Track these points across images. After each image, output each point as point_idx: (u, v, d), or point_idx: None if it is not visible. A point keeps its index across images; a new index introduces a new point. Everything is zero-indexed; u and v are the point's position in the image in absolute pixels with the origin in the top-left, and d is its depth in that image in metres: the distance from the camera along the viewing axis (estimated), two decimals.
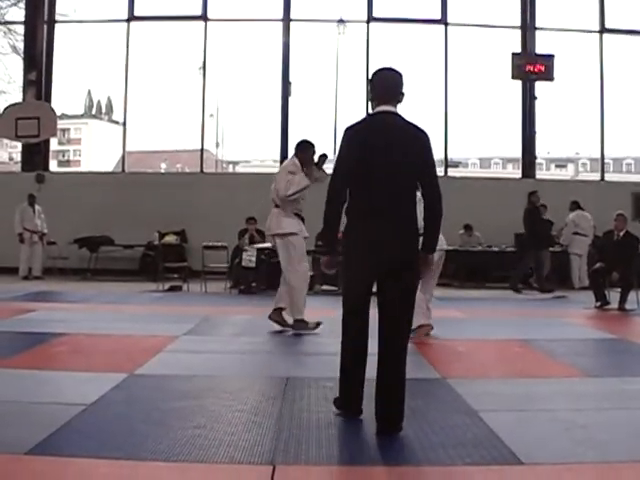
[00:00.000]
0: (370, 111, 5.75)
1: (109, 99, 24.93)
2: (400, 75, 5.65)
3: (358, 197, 5.44)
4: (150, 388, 6.69)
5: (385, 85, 5.59)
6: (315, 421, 5.59)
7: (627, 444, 5.14)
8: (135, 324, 10.90)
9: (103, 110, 26.65)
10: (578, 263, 18.97)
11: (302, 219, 10.35)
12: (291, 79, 21.84)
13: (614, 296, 14.02)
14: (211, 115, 22.56)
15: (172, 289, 16.85)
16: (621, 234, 14.34)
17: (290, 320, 10.44)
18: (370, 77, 5.80)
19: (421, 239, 5.55)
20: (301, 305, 10.32)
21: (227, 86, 22.73)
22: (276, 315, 10.52)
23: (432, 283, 10.21)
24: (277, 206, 10.34)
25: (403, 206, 5.40)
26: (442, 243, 9.78)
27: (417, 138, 5.48)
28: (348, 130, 5.60)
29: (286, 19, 21.80)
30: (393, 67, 5.72)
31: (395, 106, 5.55)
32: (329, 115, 22.51)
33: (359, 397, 5.58)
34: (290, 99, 21.84)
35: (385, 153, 5.37)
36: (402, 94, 5.62)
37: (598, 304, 14.09)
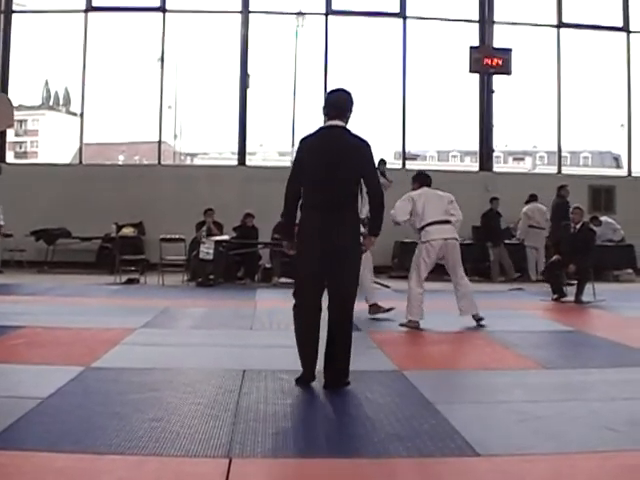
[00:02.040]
0: (322, 124, 6.82)
1: (67, 90, 24.67)
2: (349, 95, 6.79)
3: (309, 195, 6.63)
4: (107, 381, 6.65)
5: (335, 104, 6.75)
6: (272, 413, 5.58)
7: (583, 435, 5.20)
8: (93, 317, 10.81)
9: (61, 101, 26.37)
10: (534, 256, 19.13)
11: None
12: (250, 71, 21.75)
13: (571, 289, 14.14)
14: (169, 107, 22.39)
15: (129, 282, 16.73)
16: (578, 227, 14.44)
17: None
18: (325, 96, 7.00)
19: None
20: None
21: (185, 78, 22.62)
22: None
23: (455, 271, 10.84)
24: None
25: (346, 202, 6.59)
26: (443, 233, 10.57)
27: (359, 147, 6.64)
28: (302, 140, 6.82)
29: (245, 11, 21.69)
30: (344, 88, 6.89)
31: (343, 121, 6.69)
32: (287, 107, 22.45)
33: (312, 364, 6.57)
34: (248, 91, 21.76)
35: (331, 159, 6.53)
36: (350, 111, 6.74)
37: (555, 296, 14.19)
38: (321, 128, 6.81)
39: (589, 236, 14.51)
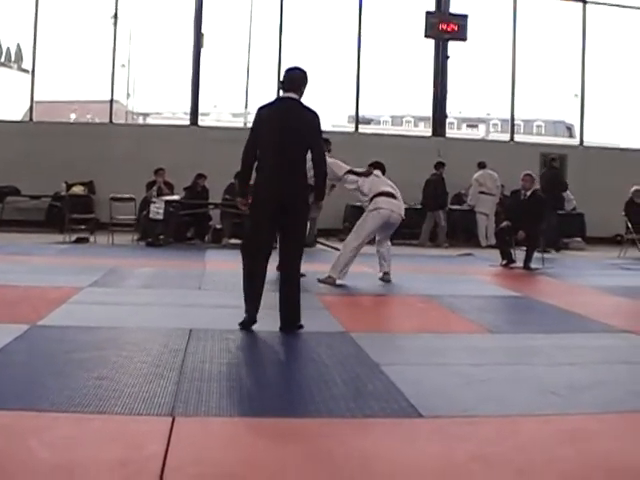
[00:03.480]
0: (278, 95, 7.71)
1: (18, 47, 24.29)
2: (304, 73, 7.51)
3: (263, 158, 7.29)
4: (52, 339, 6.61)
5: (291, 79, 7.46)
6: (217, 373, 5.58)
7: (526, 398, 5.26)
8: (40, 275, 10.74)
9: (12, 58, 26.00)
10: (484, 222, 19.30)
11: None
12: (204, 31, 21.57)
13: (520, 255, 14.25)
14: (122, 65, 22.18)
15: (79, 241, 16.60)
16: (528, 193, 14.52)
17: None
18: (284, 72, 7.67)
19: None
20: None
21: (139, 36, 22.38)
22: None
23: (386, 239, 11.42)
24: None
25: (295, 165, 7.25)
26: (393, 206, 10.97)
27: (308, 117, 7.35)
28: (259, 109, 7.48)
29: None
30: (300, 67, 7.59)
31: (297, 94, 7.39)
32: (242, 69, 22.34)
33: (254, 309, 7.19)
34: (202, 51, 21.59)
35: (284, 127, 7.25)
36: (304, 86, 7.45)
37: (504, 262, 14.31)
38: (277, 99, 7.78)
39: (539, 203, 14.61)
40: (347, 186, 11.29)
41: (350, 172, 11.30)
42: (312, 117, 7.37)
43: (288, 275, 7.31)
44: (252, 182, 7.54)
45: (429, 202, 19.36)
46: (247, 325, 7.15)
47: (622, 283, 12.39)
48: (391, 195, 11.07)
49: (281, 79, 7.61)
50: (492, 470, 3.91)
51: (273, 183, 7.20)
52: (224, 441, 4.24)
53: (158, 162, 17.76)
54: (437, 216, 19.30)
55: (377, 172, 11.39)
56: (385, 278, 11.34)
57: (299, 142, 7.29)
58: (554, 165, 20.11)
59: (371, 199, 11.01)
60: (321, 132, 7.48)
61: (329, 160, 10.93)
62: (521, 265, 14.08)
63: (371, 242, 11.38)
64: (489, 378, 5.78)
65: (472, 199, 19.67)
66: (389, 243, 11.53)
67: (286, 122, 7.30)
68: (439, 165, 19.67)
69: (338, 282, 10.71)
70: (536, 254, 14.25)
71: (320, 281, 10.67)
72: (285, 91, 7.48)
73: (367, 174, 11.29)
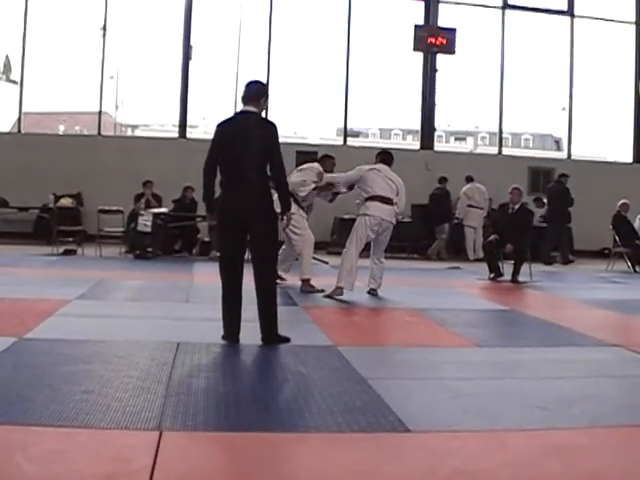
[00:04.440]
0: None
1: (7, 58, 24.25)
2: (264, 86, 7.66)
3: (225, 171, 7.43)
4: (39, 352, 6.57)
5: (248, 92, 7.52)
6: (204, 387, 5.57)
7: (514, 413, 5.25)
8: (27, 287, 10.71)
9: (1, 69, 25.97)
10: (472, 235, 19.34)
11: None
12: (192, 43, 21.60)
13: (508, 268, 14.28)
14: (111, 77, 22.15)
15: (67, 253, 16.58)
16: (516, 207, 14.57)
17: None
18: (244, 86, 7.62)
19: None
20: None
21: (128, 48, 22.36)
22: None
23: (380, 250, 11.48)
24: None
25: (257, 177, 7.28)
26: (382, 213, 11.02)
27: (266, 129, 7.41)
28: (218, 125, 7.57)
29: None
30: (259, 80, 7.72)
31: (256, 107, 7.47)
32: (230, 81, 22.34)
33: (236, 326, 7.29)
34: (191, 63, 21.62)
35: (242, 141, 7.31)
36: (263, 98, 7.55)
37: (491, 276, 14.34)
38: (236, 113, 7.83)
39: (527, 217, 14.68)
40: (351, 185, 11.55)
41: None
42: (270, 129, 7.45)
43: (261, 287, 7.33)
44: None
45: (435, 216, 19.53)
46: (228, 339, 7.28)
47: (610, 296, 12.44)
48: (384, 200, 11.08)
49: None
50: None
51: (235, 197, 7.29)
52: (211, 456, 4.25)
53: (146, 174, 17.75)
54: (442, 229, 19.43)
55: (380, 167, 11.40)
56: (371, 292, 11.39)
57: (258, 154, 7.33)
58: (561, 180, 20.29)
59: (365, 200, 11.12)
60: (278, 143, 7.45)
61: (328, 175, 11.64)
62: (509, 278, 14.11)
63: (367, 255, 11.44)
64: (476, 392, 5.78)
65: (460, 212, 19.72)
66: (383, 259, 11.55)
67: (244, 135, 7.37)
68: (443, 180, 19.86)
69: (345, 292, 10.87)
70: (523, 268, 14.28)
71: (327, 296, 10.82)
72: (244, 105, 7.55)
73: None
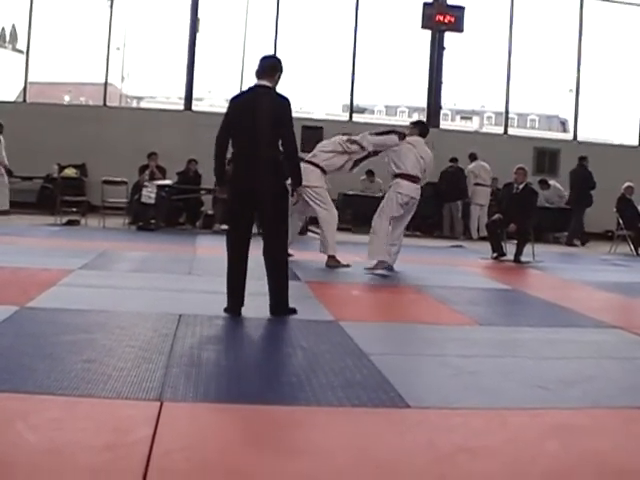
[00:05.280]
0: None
1: (13, 27, 24.17)
2: (279, 61, 7.64)
3: (237, 146, 7.44)
4: (41, 322, 6.58)
5: (264, 67, 7.52)
6: (205, 358, 5.57)
7: (514, 391, 5.27)
8: (30, 257, 10.71)
9: (7, 38, 25.87)
10: (478, 213, 19.34)
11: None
12: (200, 15, 21.53)
13: (511, 248, 14.27)
14: (117, 48, 22.13)
15: (70, 223, 16.58)
16: (520, 187, 14.55)
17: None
18: (259, 60, 7.61)
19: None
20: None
21: (135, 20, 22.29)
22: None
23: (402, 226, 11.73)
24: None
25: (269, 152, 7.32)
26: (412, 191, 11.32)
27: (280, 104, 7.40)
28: (232, 98, 7.74)
29: None
30: (274, 55, 7.94)
31: (270, 81, 7.44)
32: (237, 54, 22.29)
33: (239, 300, 7.28)
34: (198, 36, 21.56)
35: (255, 114, 7.28)
36: (278, 73, 7.52)
37: (494, 255, 14.33)
38: (250, 87, 7.72)
39: (531, 197, 14.66)
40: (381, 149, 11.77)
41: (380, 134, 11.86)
42: (283, 104, 7.43)
43: (273, 261, 7.38)
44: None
45: (446, 193, 19.54)
46: (231, 311, 7.28)
47: (612, 279, 12.43)
48: (412, 178, 11.36)
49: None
50: (478, 462, 3.91)
51: (246, 172, 7.33)
52: (212, 427, 4.23)
53: (151, 146, 17.74)
54: (454, 207, 19.42)
55: (415, 140, 11.60)
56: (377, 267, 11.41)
57: (271, 130, 7.32)
58: (583, 163, 20.41)
59: (395, 176, 11.42)
60: (291, 118, 7.47)
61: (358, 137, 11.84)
62: (512, 258, 14.10)
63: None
64: (477, 370, 5.78)
65: (468, 190, 19.73)
66: (402, 237, 11.79)
67: (257, 110, 7.32)
68: (454, 159, 19.85)
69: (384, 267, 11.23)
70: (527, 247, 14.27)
71: (369, 269, 11.14)
72: (258, 79, 7.53)
73: (404, 135, 11.64)
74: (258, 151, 7.28)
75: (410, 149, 11.46)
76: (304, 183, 10.98)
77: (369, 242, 11.47)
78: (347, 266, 11.41)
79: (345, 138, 11.95)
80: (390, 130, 12.04)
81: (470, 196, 19.74)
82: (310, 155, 11.97)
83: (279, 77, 7.57)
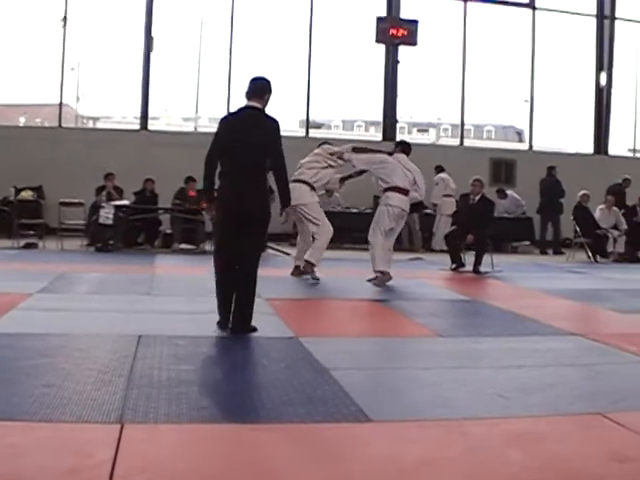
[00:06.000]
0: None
1: None
2: (267, 82, 7.74)
3: (226, 166, 7.54)
4: (0, 346, 6.50)
5: (253, 88, 7.69)
6: (165, 379, 5.55)
7: (475, 401, 5.32)
8: None
9: None
10: (446, 224, 19.44)
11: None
12: (154, 34, 21.49)
13: (470, 258, 14.35)
14: (72, 69, 22.00)
15: (28, 246, 16.45)
16: (476, 198, 14.66)
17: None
18: (249, 81, 7.77)
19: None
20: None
21: (89, 39, 22.19)
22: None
23: (392, 238, 12.05)
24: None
25: (256, 173, 7.53)
26: (402, 203, 11.68)
27: (268, 125, 7.56)
28: (222, 119, 7.88)
29: None
30: (264, 76, 7.81)
31: (259, 102, 7.62)
32: (192, 73, 22.29)
33: (227, 312, 7.44)
34: (152, 55, 21.51)
35: (244, 136, 7.47)
36: (267, 94, 7.68)
37: (453, 266, 14.41)
38: (240, 108, 7.81)
39: (487, 208, 14.77)
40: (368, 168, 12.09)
41: (361, 150, 12.31)
42: (272, 125, 7.58)
43: (245, 276, 7.49)
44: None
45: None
46: (222, 325, 7.49)
47: (571, 286, 12.54)
48: (402, 190, 11.72)
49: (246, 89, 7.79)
50: (440, 473, 3.94)
51: (235, 191, 7.44)
52: (173, 448, 4.22)
53: (108, 166, 17.64)
54: (412, 220, 19.43)
55: (399, 156, 12.12)
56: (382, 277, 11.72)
57: (259, 150, 7.52)
58: (552, 173, 20.94)
59: (385, 190, 11.77)
60: (280, 139, 7.62)
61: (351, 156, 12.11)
62: (471, 269, 14.18)
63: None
64: (438, 382, 5.82)
65: (436, 200, 19.79)
66: (391, 248, 12.08)
67: (247, 131, 7.52)
68: None
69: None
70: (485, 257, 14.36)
71: (372, 280, 11.52)
72: (248, 100, 7.69)
73: (389, 154, 12.15)
74: (247, 171, 7.49)
75: (396, 165, 11.86)
76: (296, 202, 11.22)
77: (370, 257, 11.79)
78: (317, 280, 11.65)
79: (332, 152, 12.24)
80: (378, 150, 12.54)
81: (439, 207, 19.81)
82: (297, 173, 12.08)
83: (268, 98, 7.72)
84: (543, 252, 20.11)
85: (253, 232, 7.51)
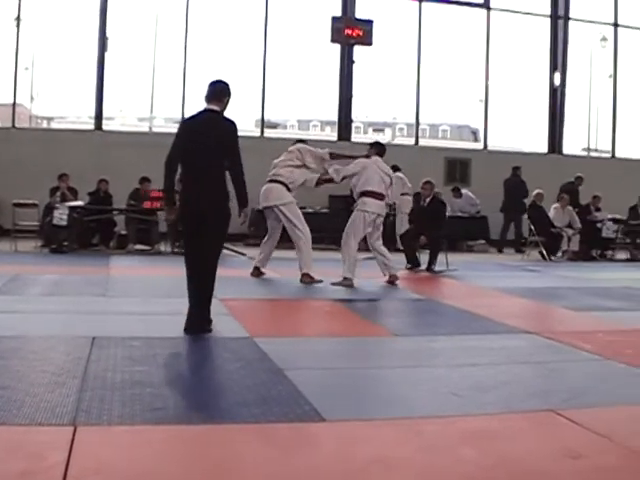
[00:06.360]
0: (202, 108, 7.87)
1: None
2: (226, 85, 7.84)
3: (185, 168, 7.67)
4: None
5: (212, 91, 7.79)
6: (119, 381, 5.52)
7: (429, 400, 5.35)
8: None
9: None
10: (405, 221, 19.50)
11: None
12: (109, 34, 21.37)
13: (425, 258, 14.42)
14: (26, 68, 21.84)
15: None
16: (428, 200, 14.78)
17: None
18: (208, 85, 7.86)
19: None
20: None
21: (43, 39, 22.02)
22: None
23: (377, 238, 12.28)
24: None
25: (215, 174, 7.60)
26: (377, 209, 11.82)
27: (226, 127, 7.68)
28: (183, 121, 8.30)
29: None
30: (222, 79, 7.90)
31: (218, 105, 7.73)
32: (147, 73, 22.18)
33: (196, 307, 7.52)
34: (107, 55, 21.38)
35: (204, 138, 7.58)
36: (227, 97, 7.80)
37: (409, 266, 14.46)
38: (199, 112, 7.87)
39: (439, 208, 14.88)
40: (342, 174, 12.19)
41: (339, 157, 12.57)
42: (230, 127, 7.70)
43: (206, 275, 7.62)
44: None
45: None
46: (192, 317, 7.51)
47: (525, 285, 12.63)
48: (377, 195, 11.84)
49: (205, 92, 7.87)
50: (392, 472, 3.96)
51: (195, 193, 7.55)
52: (126, 450, 4.20)
53: (62, 167, 17.50)
54: None
55: (376, 160, 12.14)
56: (391, 281, 12.17)
57: (218, 152, 7.62)
58: (517, 173, 21.31)
59: (360, 195, 11.93)
60: (237, 141, 7.72)
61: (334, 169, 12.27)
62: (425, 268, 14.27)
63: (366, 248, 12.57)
64: (392, 381, 5.86)
65: (394, 198, 19.84)
66: (384, 248, 12.38)
67: (206, 133, 7.61)
68: None
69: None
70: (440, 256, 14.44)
71: (336, 284, 11.45)
72: (208, 103, 7.79)
73: (366, 156, 12.21)
74: (206, 173, 7.57)
75: (375, 169, 11.92)
76: (274, 202, 11.68)
77: (342, 260, 11.83)
78: (320, 281, 11.65)
79: (313, 155, 12.24)
80: (353, 156, 12.63)
81: (398, 205, 19.85)
82: (271, 173, 12.09)
83: (228, 101, 7.84)
84: (500, 251, 20.24)
85: (213, 232, 7.58)
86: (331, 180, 12.38)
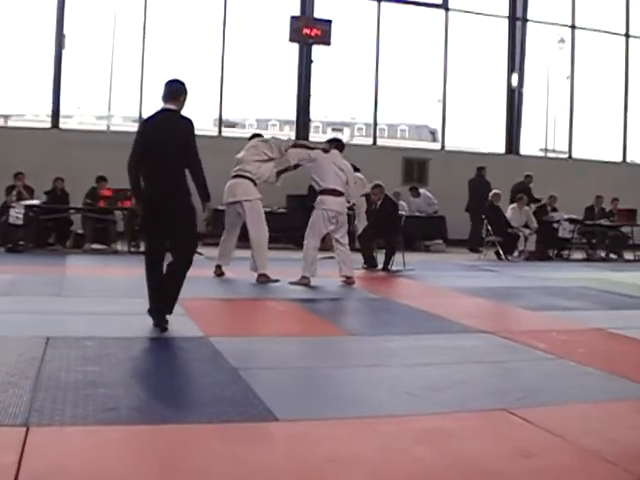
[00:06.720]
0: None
1: None
2: (182, 84, 7.96)
3: (147, 166, 7.73)
4: None
5: (169, 91, 7.90)
6: (73, 381, 5.48)
7: (383, 399, 5.37)
8: None
9: None
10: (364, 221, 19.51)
11: None
12: (66, 31, 21.21)
13: (382, 257, 14.46)
14: None
15: None
16: (379, 203, 14.86)
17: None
18: (164, 84, 7.97)
19: None
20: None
21: (0, 36, 21.81)
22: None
23: (343, 237, 12.26)
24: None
25: (175, 173, 7.69)
26: (336, 206, 11.90)
27: (183, 126, 7.82)
28: (143, 121, 8.32)
29: None
30: (178, 79, 8.01)
31: (175, 104, 7.85)
32: (105, 71, 22.05)
33: (155, 302, 7.69)
34: (64, 52, 21.22)
35: (162, 137, 7.71)
36: (183, 96, 7.90)
37: (365, 265, 14.50)
38: (157, 111, 7.99)
39: (392, 211, 14.97)
40: (300, 163, 12.24)
41: (300, 146, 12.55)
42: (187, 125, 7.84)
43: (179, 269, 7.77)
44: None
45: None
46: (152, 313, 7.67)
47: (481, 284, 12.68)
48: (335, 193, 11.89)
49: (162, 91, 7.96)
50: (346, 471, 3.97)
51: (156, 192, 7.69)
52: (79, 451, 4.17)
53: (18, 165, 17.34)
54: None
55: (331, 152, 12.19)
56: (348, 282, 12.04)
57: (178, 150, 7.71)
58: (482, 173, 21.45)
59: (319, 193, 12.03)
60: (194, 138, 7.85)
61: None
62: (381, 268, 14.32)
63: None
64: (347, 381, 5.87)
65: (354, 198, 19.85)
66: (347, 247, 12.29)
67: (164, 132, 7.73)
68: None
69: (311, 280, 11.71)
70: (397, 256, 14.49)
71: (293, 283, 11.47)
72: (165, 102, 7.90)
73: (325, 151, 12.21)
74: (166, 172, 7.67)
75: (329, 164, 11.95)
76: (240, 198, 11.71)
77: (302, 258, 11.89)
78: (276, 281, 11.59)
79: (278, 144, 12.24)
80: (314, 148, 12.57)
81: (357, 205, 19.85)
82: (237, 168, 12.00)
83: (184, 100, 7.95)
84: (475, 250, 20.14)
85: (181, 230, 7.67)
86: (287, 169, 12.36)
